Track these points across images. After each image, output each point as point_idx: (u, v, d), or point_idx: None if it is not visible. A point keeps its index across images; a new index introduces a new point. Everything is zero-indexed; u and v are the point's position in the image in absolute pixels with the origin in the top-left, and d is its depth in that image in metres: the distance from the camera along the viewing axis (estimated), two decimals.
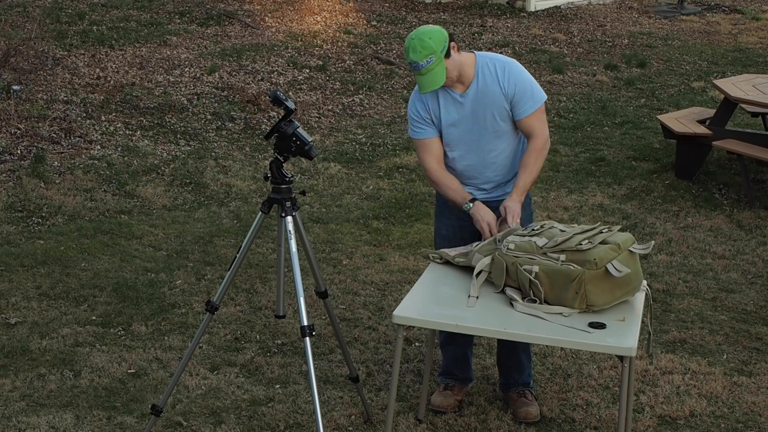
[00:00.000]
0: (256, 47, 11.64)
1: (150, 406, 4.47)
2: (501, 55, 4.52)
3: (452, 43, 4.33)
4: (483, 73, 4.42)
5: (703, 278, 6.33)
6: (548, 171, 8.35)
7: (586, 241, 4.09)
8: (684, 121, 8.39)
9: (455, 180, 4.55)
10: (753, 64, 12.39)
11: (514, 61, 4.50)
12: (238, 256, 4.25)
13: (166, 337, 5.40)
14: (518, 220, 4.37)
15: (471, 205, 4.44)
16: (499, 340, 4.79)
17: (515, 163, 4.56)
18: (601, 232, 4.17)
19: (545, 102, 4.48)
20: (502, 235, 4.30)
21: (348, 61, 11.58)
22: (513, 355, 4.79)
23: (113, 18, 12.53)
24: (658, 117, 8.66)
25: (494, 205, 4.49)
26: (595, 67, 12.01)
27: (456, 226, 4.64)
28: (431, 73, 4.28)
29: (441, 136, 4.51)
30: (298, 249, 4.13)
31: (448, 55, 4.30)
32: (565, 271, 4.01)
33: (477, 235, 4.51)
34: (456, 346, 4.84)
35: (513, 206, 4.38)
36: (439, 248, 4.67)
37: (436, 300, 4.22)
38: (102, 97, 9.47)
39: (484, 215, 4.41)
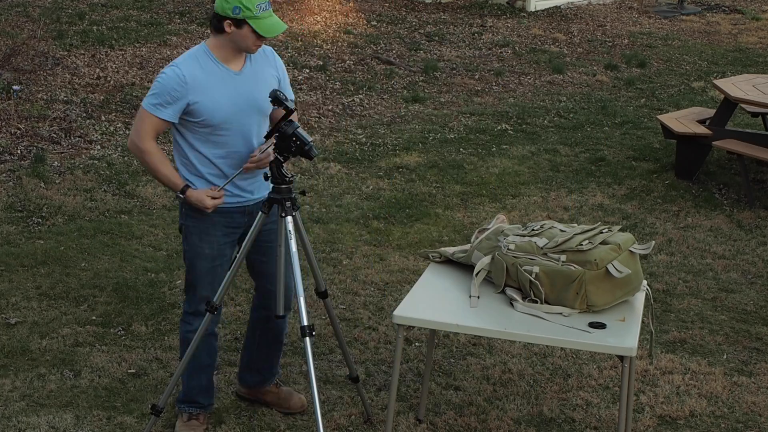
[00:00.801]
0: None
1: (150, 406, 4.47)
2: None
3: None
4: (256, 53, 4.22)
5: (703, 278, 6.33)
6: (548, 171, 8.36)
7: (587, 241, 4.09)
8: (684, 121, 8.39)
9: (167, 160, 4.27)
10: (753, 64, 12.40)
11: None
12: (238, 256, 4.25)
13: (166, 337, 5.40)
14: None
15: (182, 196, 4.18)
16: (253, 343, 4.64)
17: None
18: (602, 233, 4.17)
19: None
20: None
21: (348, 61, 11.58)
22: (275, 356, 4.69)
23: (113, 18, 12.53)
24: (658, 117, 8.66)
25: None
26: (595, 67, 12.01)
27: (221, 243, 4.31)
28: (276, 16, 4.08)
29: (195, 119, 4.14)
30: (298, 249, 4.12)
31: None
32: (565, 271, 4.01)
33: (233, 251, 4.32)
34: (201, 374, 4.49)
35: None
36: (199, 270, 4.29)
37: (436, 300, 4.22)
38: (102, 97, 9.47)
39: (199, 199, 4.15)
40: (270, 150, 4.12)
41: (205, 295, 4.33)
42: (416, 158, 8.57)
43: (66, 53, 10.78)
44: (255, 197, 4.33)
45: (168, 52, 11.15)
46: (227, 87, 4.14)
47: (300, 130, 4.07)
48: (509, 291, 4.14)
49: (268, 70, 4.28)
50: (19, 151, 8.04)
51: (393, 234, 6.96)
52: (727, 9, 15.80)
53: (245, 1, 3.97)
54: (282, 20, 4.11)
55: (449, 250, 4.56)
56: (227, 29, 4.06)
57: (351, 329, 5.55)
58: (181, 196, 4.20)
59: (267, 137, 4.18)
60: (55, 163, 7.86)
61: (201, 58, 4.14)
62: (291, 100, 4.16)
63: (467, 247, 4.51)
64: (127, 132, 8.74)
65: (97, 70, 10.31)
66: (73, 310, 5.68)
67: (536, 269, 4.08)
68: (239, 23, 4.03)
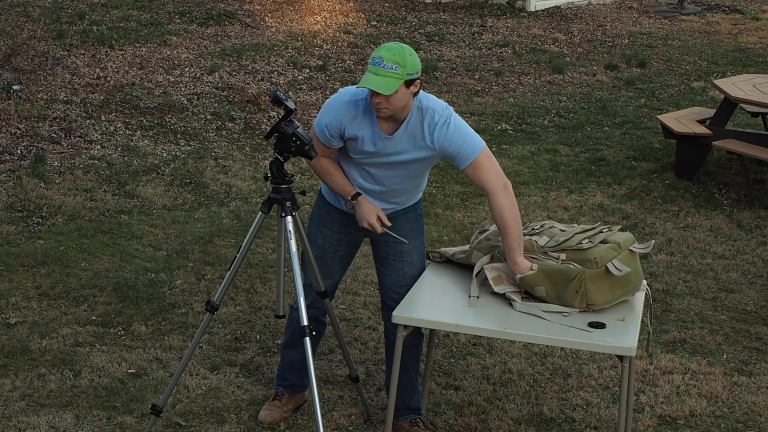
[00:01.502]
0: (256, 47, 11.64)
1: (150, 406, 4.46)
2: (440, 104, 4.14)
3: (419, 82, 4.01)
4: (414, 121, 4.11)
5: (703, 278, 6.33)
6: (548, 171, 8.36)
7: (587, 240, 4.10)
8: (684, 121, 8.39)
9: (341, 172, 4.30)
10: (753, 64, 12.40)
11: (451, 112, 4.15)
12: (238, 256, 4.25)
13: (166, 337, 5.40)
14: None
15: (354, 201, 4.22)
16: (387, 354, 4.59)
17: (420, 187, 4.41)
18: (602, 232, 4.18)
19: (484, 150, 4.15)
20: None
21: (348, 61, 11.58)
22: (404, 374, 4.43)
23: (113, 18, 12.53)
24: (658, 117, 8.66)
25: (395, 219, 4.32)
26: (595, 67, 12.01)
27: (335, 240, 4.44)
28: (385, 78, 3.92)
29: (347, 155, 4.25)
30: (298, 249, 4.13)
31: (408, 84, 3.98)
32: (565, 270, 4.02)
33: (352, 251, 4.46)
34: (296, 351, 4.53)
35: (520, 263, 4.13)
36: (309, 255, 4.34)
37: (436, 300, 4.22)
38: (102, 97, 9.47)
39: (364, 214, 4.21)
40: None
41: (308, 281, 4.40)
42: None
43: (66, 53, 10.78)
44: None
45: (168, 52, 11.15)
46: (375, 143, 4.14)
47: (300, 130, 4.08)
48: (509, 291, 4.14)
49: (419, 142, 4.13)
50: (19, 151, 8.04)
51: None
52: (727, 9, 15.80)
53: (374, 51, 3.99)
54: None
55: (449, 250, 4.56)
56: None
57: (351, 329, 5.55)
58: (352, 201, 4.24)
59: (267, 137, 4.18)
60: (55, 163, 7.86)
61: (366, 106, 4.13)
62: (477, 158, 4.11)
63: (467, 247, 4.51)
64: (128, 132, 8.74)
65: (97, 70, 10.31)
66: (73, 310, 5.68)
67: (535, 267, 4.08)
68: None
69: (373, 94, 3.97)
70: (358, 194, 4.24)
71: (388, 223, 4.24)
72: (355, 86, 4.14)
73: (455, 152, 4.10)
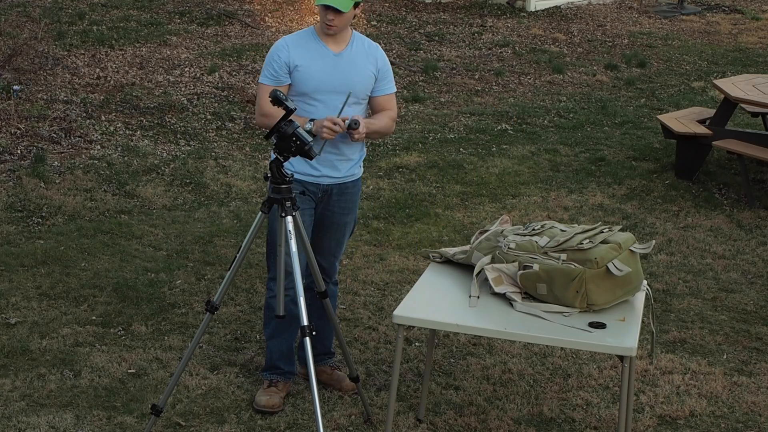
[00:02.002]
0: (256, 47, 11.64)
1: (150, 406, 4.47)
2: None
3: (361, 6, 4.51)
4: (357, 42, 4.62)
5: (703, 278, 6.33)
6: (548, 171, 8.36)
7: (587, 240, 4.10)
8: (684, 121, 8.39)
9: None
10: (753, 64, 12.40)
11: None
12: (238, 256, 4.25)
13: (166, 337, 5.40)
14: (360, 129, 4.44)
15: (311, 123, 4.43)
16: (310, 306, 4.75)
17: (361, 148, 4.77)
18: (602, 232, 4.18)
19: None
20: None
21: None
22: (326, 320, 4.73)
23: (113, 18, 12.53)
24: (658, 117, 8.67)
25: (343, 194, 4.68)
26: (595, 67, 12.01)
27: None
28: None
29: (293, 84, 4.54)
30: (298, 249, 4.12)
31: (356, 6, 4.46)
32: (565, 270, 4.02)
33: (312, 222, 4.63)
34: (282, 340, 4.79)
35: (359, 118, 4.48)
36: (275, 235, 4.51)
37: (436, 300, 4.22)
38: (102, 97, 9.47)
39: (321, 122, 4.40)
40: (345, 118, 4.42)
41: (272, 274, 4.68)
42: (416, 158, 8.57)
43: (66, 53, 10.78)
44: (332, 176, 4.63)
45: (168, 52, 11.15)
46: (324, 62, 4.53)
47: (300, 130, 4.08)
48: (509, 291, 4.14)
49: (368, 59, 4.60)
50: (19, 151, 8.04)
51: (393, 234, 6.96)
52: (727, 9, 15.80)
53: None
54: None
55: (450, 251, 4.56)
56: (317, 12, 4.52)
57: (351, 329, 5.55)
58: (313, 133, 4.40)
59: (267, 137, 4.18)
60: (55, 163, 7.86)
61: (305, 35, 4.61)
62: (394, 93, 4.69)
63: (467, 248, 4.51)
64: (128, 132, 8.75)
65: (97, 70, 10.31)
66: (73, 310, 5.68)
67: (536, 267, 4.08)
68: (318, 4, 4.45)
69: (328, 11, 4.41)
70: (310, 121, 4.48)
71: (340, 119, 4.40)
72: (302, 30, 4.60)
73: (387, 73, 4.66)
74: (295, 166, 4.52)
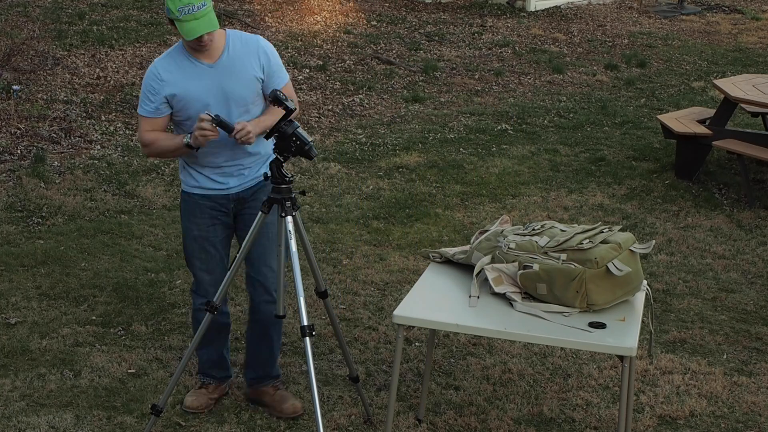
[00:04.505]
0: None
1: (150, 406, 4.47)
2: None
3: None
4: (234, 45, 4.31)
5: (703, 278, 6.33)
6: (548, 171, 8.36)
7: (587, 240, 4.09)
8: (684, 121, 8.39)
9: (168, 133, 4.40)
10: (753, 64, 12.40)
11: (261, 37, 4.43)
12: (238, 256, 4.25)
13: (166, 337, 5.40)
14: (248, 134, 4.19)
15: (188, 137, 4.23)
16: (252, 329, 4.71)
17: (263, 143, 4.42)
18: (602, 232, 4.18)
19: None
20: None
21: (348, 61, 11.58)
22: (266, 346, 4.69)
23: (113, 18, 12.53)
24: (658, 117, 8.66)
25: (256, 193, 4.43)
26: (595, 67, 12.01)
27: (209, 226, 4.49)
28: (207, 16, 4.10)
29: (176, 112, 4.32)
30: (298, 249, 4.12)
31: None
32: (565, 269, 4.02)
33: (228, 231, 4.51)
34: (212, 349, 4.73)
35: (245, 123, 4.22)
36: (190, 250, 4.53)
37: (436, 300, 4.22)
38: (102, 97, 9.47)
39: (197, 127, 4.17)
40: (249, 126, 4.20)
41: (204, 277, 4.57)
42: (416, 158, 8.57)
43: (66, 53, 10.78)
44: (239, 184, 4.44)
45: None
46: (201, 81, 4.25)
47: (300, 129, 4.08)
48: (509, 291, 4.14)
49: (249, 60, 4.30)
50: (19, 151, 8.04)
51: (393, 234, 6.96)
52: (727, 9, 15.80)
53: (170, 3, 4.09)
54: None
55: (450, 251, 4.56)
56: (171, 28, 4.24)
57: (351, 329, 5.55)
58: (187, 141, 4.26)
59: (267, 137, 4.18)
60: (55, 163, 7.86)
61: (176, 54, 4.30)
62: (288, 82, 4.38)
63: (467, 248, 4.51)
64: (128, 132, 8.75)
65: (97, 70, 10.31)
66: (73, 310, 5.68)
67: (536, 267, 4.08)
68: (173, 23, 4.15)
69: (201, 37, 4.11)
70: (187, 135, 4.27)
71: (211, 115, 4.17)
72: (185, 35, 4.11)
73: (275, 66, 4.34)
74: (200, 181, 4.41)
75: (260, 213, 4.18)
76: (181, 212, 4.58)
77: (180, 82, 4.25)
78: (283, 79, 4.39)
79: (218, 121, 4.15)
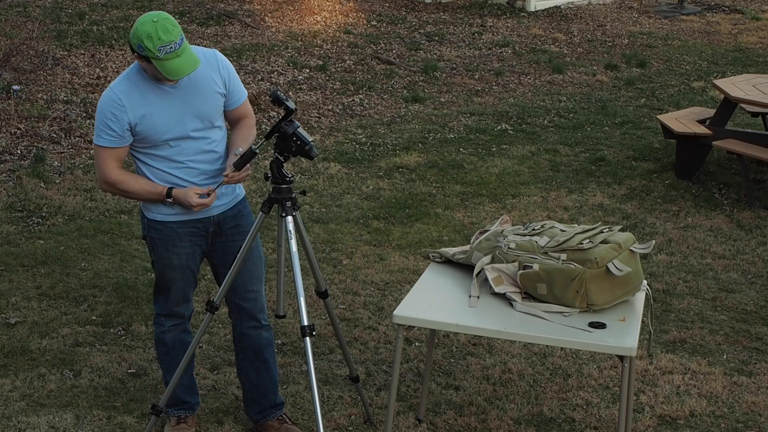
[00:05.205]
0: (256, 47, 11.64)
1: (150, 406, 4.47)
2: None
3: None
4: None
5: (703, 278, 6.33)
6: (548, 171, 8.36)
7: (587, 240, 4.10)
8: (684, 121, 8.40)
9: (140, 177, 4.17)
10: (753, 64, 12.40)
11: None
12: (238, 256, 4.25)
13: None
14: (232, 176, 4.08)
15: (171, 199, 4.07)
16: (244, 359, 4.48)
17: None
18: (602, 232, 4.18)
19: None
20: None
21: (348, 61, 11.58)
22: (266, 372, 4.48)
23: (113, 18, 12.53)
24: (658, 117, 8.67)
25: (236, 217, 4.28)
26: (595, 67, 12.01)
27: (189, 251, 4.27)
28: (188, 53, 3.90)
29: (142, 137, 4.06)
30: (298, 249, 4.12)
31: None
32: (565, 269, 4.02)
33: (204, 251, 4.28)
34: (183, 374, 4.38)
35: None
36: (168, 280, 4.29)
37: (436, 300, 4.22)
38: None
39: (186, 200, 4.06)
40: (247, 170, 4.14)
41: (178, 299, 4.36)
42: (416, 158, 8.57)
43: (66, 53, 10.78)
44: (221, 204, 4.25)
45: None
46: (163, 103, 4.03)
47: (300, 129, 4.08)
48: (509, 291, 4.14)
49: (210, 75, 4.11)
50: (19, 151, 8.05)
51: (393, 234, 6.96)
52: (727, 9, 15.80)
53: (146, 42, 3.85)
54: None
55: (450, 251, 4.56)
56: (139, 61, 3.98)
57: (351, 329, 5.55)
58: (169, 200, 4.11)
59: (267, 137, 4.18)
60: (55, 163, 7.86)
61: (134, 77, 4.05)
62: (245, 99, 4.25)
63: (467, 248, 4.51)
64: None
65: (97, 70, 10.31)
66: (73, 310, 5.68)
67: (536, 267, 4.08)
68: (146, 59, 3.91)
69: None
70: (170, 189, 4.09)
71: (211, 188, 4.10)
72: (169, 76, 3.91)
73: (234, 81, 4.17)
74: (176, 207, 4.15)
75: (260, 213, 4.18)
76: (154, 244, 4.26)
77: (142, 106, 4.00)
78: (243, 94, 4.26)
79: (240, 161, 4.08)
